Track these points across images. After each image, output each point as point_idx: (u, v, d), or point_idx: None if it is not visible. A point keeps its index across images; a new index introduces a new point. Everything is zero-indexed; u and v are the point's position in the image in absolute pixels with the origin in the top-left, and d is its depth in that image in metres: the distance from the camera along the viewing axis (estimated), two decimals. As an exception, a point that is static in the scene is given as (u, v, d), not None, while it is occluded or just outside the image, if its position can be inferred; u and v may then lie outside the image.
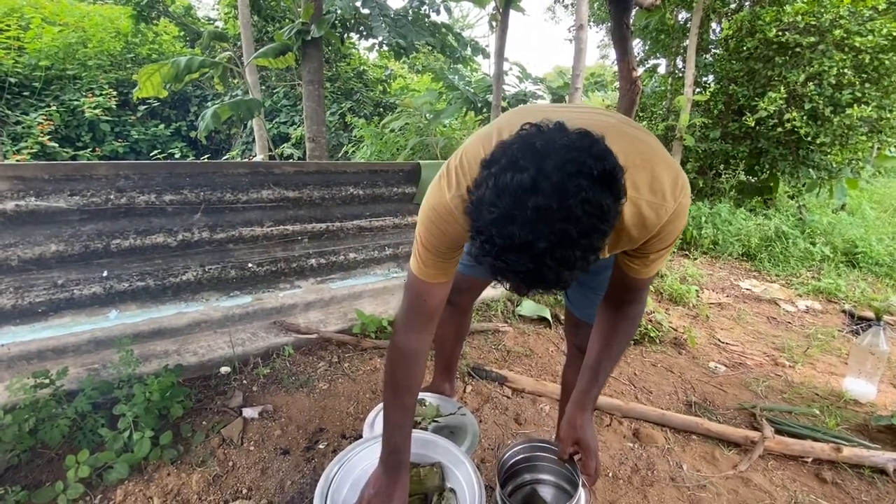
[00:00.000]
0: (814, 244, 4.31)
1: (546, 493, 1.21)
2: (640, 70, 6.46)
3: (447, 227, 0.92)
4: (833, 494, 1.57)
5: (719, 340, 2.70)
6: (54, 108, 7.18)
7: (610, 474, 1.58)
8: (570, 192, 0.61)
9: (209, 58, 3.97)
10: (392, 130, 5.46)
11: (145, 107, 8.25)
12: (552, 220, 0.61)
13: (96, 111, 7.37)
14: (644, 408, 1.90)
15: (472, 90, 5.85)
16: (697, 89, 5.42)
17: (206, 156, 8.44)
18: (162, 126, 8.45)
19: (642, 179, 0.82)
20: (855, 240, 4.33)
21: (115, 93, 7.81)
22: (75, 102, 7.37)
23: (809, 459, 1.70)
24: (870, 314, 3.10)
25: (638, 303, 1.07)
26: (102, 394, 1.64)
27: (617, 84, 5.48)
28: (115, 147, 7.68)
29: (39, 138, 6.54)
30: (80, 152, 7.25)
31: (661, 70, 7.08)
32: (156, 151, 8.04)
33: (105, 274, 1.83)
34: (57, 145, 6.83)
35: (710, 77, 5.78)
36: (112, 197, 1.79)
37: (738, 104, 5.13)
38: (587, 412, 1.10)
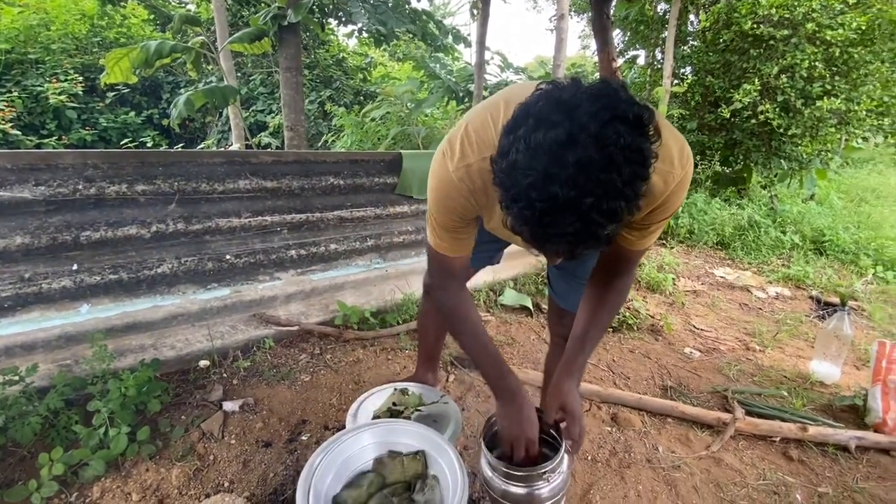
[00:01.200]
0: (784, 233, 4.45)
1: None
2: (620, 61, 6.52)
3: (453, 203, 0.92)
4: (799, 471, 1.64)
5: (694, 327, 2.78)
6: (16, 93, 6.85)
7: (589, 457, 1.62)
8: (611, 140, 0.58)
9: (181, 42, 3.84)
10: (373, 119, 5.39)
11: (114, 93, 7.94)
12: (596, 172, 0.58)
13: (61, 97, 7.06)
14: (622, 393, 1.95)
15: (453, 79, 5.81)
16: (675, 81, 5.50)
17: (179, 145, 8.19)
18: (132, 113, 8.15)
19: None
20: (823, 228, 4.49)
21: (81, 78, 7.48)
22: (38, 88, 7.04)
23: (777, 439, 1.77)
24: (835, 300, 3.23)
25: (628, 275, 1.08)
26: (75, 390, 1.60)
27: (597, 74, 5.52)
28: (83, 135, 7.39)
29: (1, 126, 6.24)
30: (45, 140, 6.95)
31: (641, 61, 7.15)
32: (126, 140, 7.76)
33: (75, 267, 1.77)
34: (20, 133, 6.53)
35: (688, 69, 5.86)
36: (80, 187, 1.73)
37: (714, 96, 5.23)
38: (573, 379, 1.11)
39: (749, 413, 1.88)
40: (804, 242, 4.37)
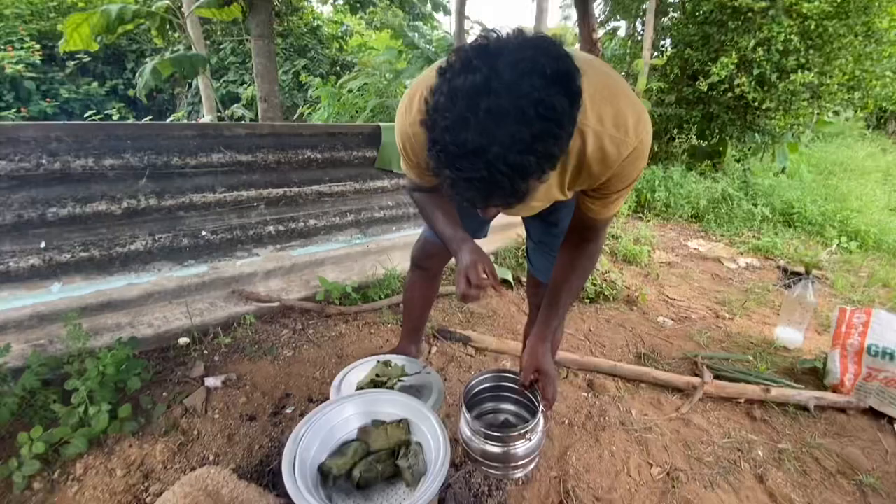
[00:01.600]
0: (756, 205, 4.58)
1: (509, 419, 1.31)
2: (601, 32, 6.45)
3: (410, 152, 0.99)
4: (761, 430, 1.75)
5: (668, 297, 2.87)
6: (-34, 62, 6.42)
7: (566, 422, 1.69)
8: (523, 93, 0.58)
9: (144, 7, 3.62)
10: (350, 91, 5.24)
11: (75, 62, 7.51)
12: (505, 122, 0.59)
13: (18, 67, 6.64)
14: (598, 360, 2.02)
15: (432, 49, 5.67)
16: (655, 53, 5.49)
17: (147, 118, 7.85)
18: (95, 84, 7.74)
19: (607, 113, 0.83)
20: (792, 201, 4.64)
21: (38, 46, 7.04)
22: (-9, 56, 6.61)
23: (742, 400, 1.87)
24: (801, 269, 3.37)
25: (596, 241, 1.11)
26: (51, 370, 1.58)
27: (578, 46, 5.46)
28: (43, 107, 7.01)
29: (-48, 97, 5.87)
30: (4, 113, 6.57)
31: (622, 33, 7.09)
32: (90, 112, 7.39)
33: (43, 245, 1.71)
34: (-26, 105, 6.16)
35: (668, 41, 5.85)
36: (44, 161, 1.65)
37: (692, 69, 5.25)
38: (547, 342, 1.17)
39: (717, 377, 1.98)
40: (774, 214, 4.51)
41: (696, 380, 1.91)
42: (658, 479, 1.48)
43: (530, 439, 1.13)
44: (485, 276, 1.00)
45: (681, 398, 1.88)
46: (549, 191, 0.96)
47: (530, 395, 1.22)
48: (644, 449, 1.60)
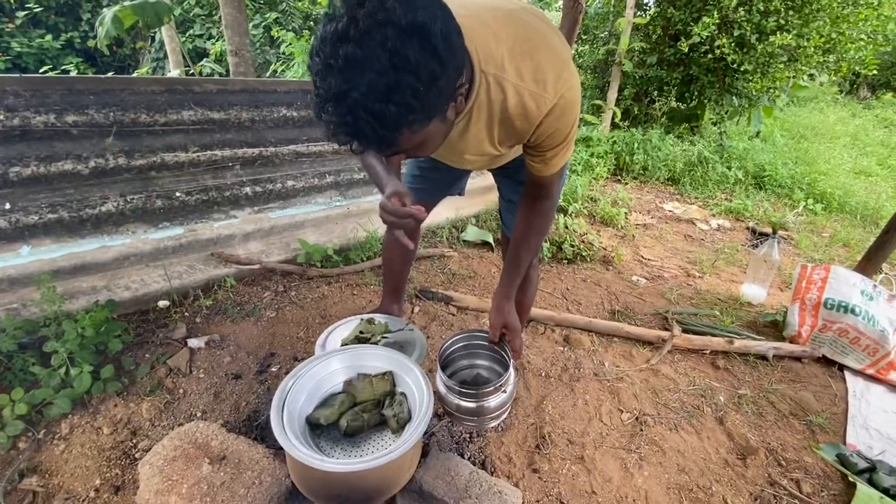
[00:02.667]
0: (730, 168, 4.68)
1: (481, 373, 1.38)
2: (584, -12, 6.26)
3: None
4: (724, 378, 1.87)
5: (642, 257, 2.97)
6: None
7: (543, 374, 1.78)
8: (377, 42, 0.60)
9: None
10: (325, 48, 5.01)
11: (25, 13, 6.93)
12: (362, 70, 0.61)
13: (-41, 16, 6.12)
14: (574, 317, 2.10)
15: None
16: (638, 12, 5.39)
17: (109, 73, 7.39)
18: (49, 37, 7.19)
19: (527, 68, 0.84)
20: (764, 164, 4.75)
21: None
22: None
23: (708, 351, 1.99)
24: (769, 230, 3.51)
25: (548, 199, 1.14)
26: (28, 333, 1.56)
27: (561, 3, 5.30)
28: (-8, 61, 6.52)
29: None
30: (-54, 67, 6.09)
31: (605, -11, 6.90)
32: (45, 68, 6.90)
33: (7, 206, 1.65)
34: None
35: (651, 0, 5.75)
36: (1, 117, 1.57)
37: (675, 29, 5.19)
38: (510, 300, 1.23)
39: (685, 331, 2.08)
40: (746, 177, 4.62)
41: (665, 333, 2.01)
42: (627, 424, 1.59)
43: (504, 391, 1.20)
44: (399, 203, 1.00)
45: (651, 351, 1.98)
46: (479, 144, 0.99)
47: (500, 350, 1.28)
48: (615, 397, 1.70)
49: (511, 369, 1.21)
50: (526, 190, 1.15)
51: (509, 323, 1.22)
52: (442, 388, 1.20)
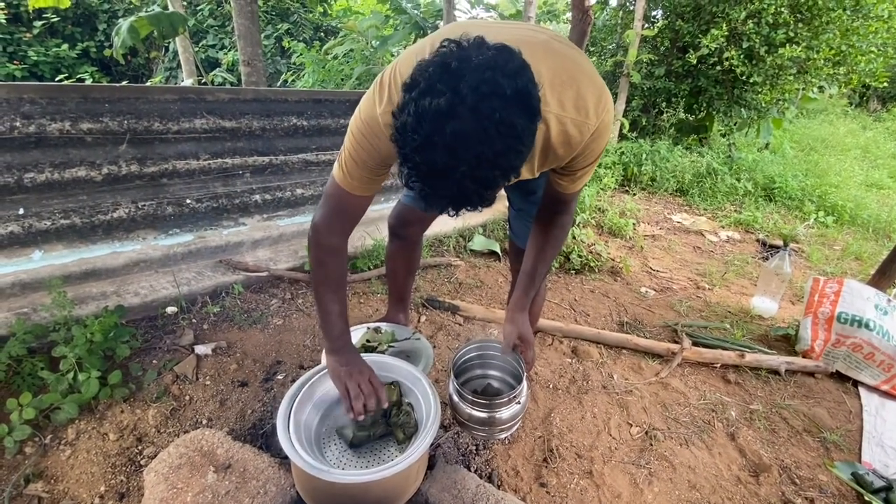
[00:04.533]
0: (739, 180, 4.65)
1: (493, 384, 1.38)
2: (593, 0, 6.32)
3: (378, 143, 0.92)
4: (735, 392, 1.84)
5: (651, 268, 2.94)
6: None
7: (551, 386, 1.75)
8: (485, 115, 0.62)
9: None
10: (335, 57, 5.09)
11: (42, 22, 7.10)
12: (470, 143, 0.62)
13: (-19, 26, 6.28)
14: (582, 328, 2.08)
15: (420, 14, 5.50)
16: (646, 24, 5.42)
17: (123, 82, 7.52)
18: (65, 46, 7.35)
19: (568, 97, 0.85)
20: (774, 176, 4.72)
21: (2, 4, 6.62)
22: (-49, 14, 6.22)
23: (718, 365, 1.96)
24: (779, 242, 3.47)
25: (567, 214, 1.16)
26: (37, 337, 1.56)
27: (569, 15, 5.34)
28: (11, 70, 6.66)
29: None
30: (-33, 75, 6.23)
31: (613, 3, 6.95)
32: (61, 76, 7.05)
33: (21, 211, 1.67)
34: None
35: (659, 12, 5.77)
36: (18, 124, 1.60)
37: (683, 41, 5.21)
38: (525, 311, 1.24)
39: (695, 343, 2.06)
40: (756, 189, 4.59)
41: (675, 346, 1.99)
42: (637, 438, 1.56)
43: (518, 402, 1.18)
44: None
45: (660, 363, 1.95)
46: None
47: (513, 361, 1.27)
48: (624, 410, 1.67)
49: (525, 381, 1.20)
50: (546, 205, 1.15)
51: (523, 334, 1.22)
52: (454, 397, 1.20)
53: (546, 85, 0.83)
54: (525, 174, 1.00)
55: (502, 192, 1.50)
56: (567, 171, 1.01)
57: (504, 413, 1.17)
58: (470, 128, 0.62)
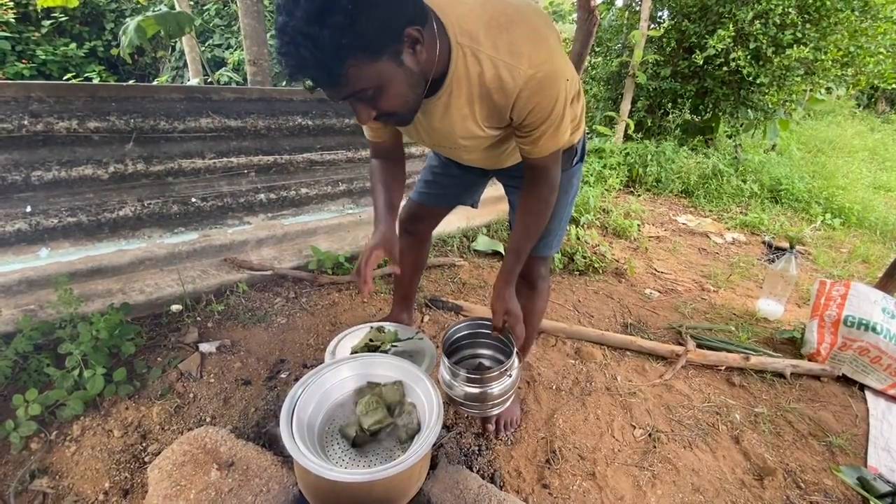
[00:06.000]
0: (745, 182, 4.62)
1: (485, 363, 1.40)
2: (598, 1, 6.29)
3: None
4: (739, 395, 1.83)
5: (655, 270, 2.93)
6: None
7: (554, 387, 1.75)
8: None
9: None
10: (340, 58, 5.09)
11: (50, 22, 7.15)
12: (298, 2, 0.68)
13: (-10, 25, 6.33)
14: (586, 329, 2.07)
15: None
16: (652, 25, 5.39)
17: (130, 81, 7.57)
18: (73, 45, 7.39)
19: (502, 41, 0.86)
20: (780, 178, 4.68)
21: (11, 3, 6.68)
22: (-39, 13, 6.27)
23: (723, 368, 1.95)
24: (785, 244, 3.44)
25: (545, 185, 1.13)
26: (44, 334, 1.58)
27: (575, 16, 5.32)
28: (20, 69, 6.70)
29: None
30: (-24, 74, 6.28)
31: (619, 3, 6.93)
32: (69, 75, 7.09)
33: (29, 209, 1.68)
34: (-56, 65, 5.87)
35: (665, 12, 5.74)
36: (26, 123, 1.61)
37: (689, 42, 5.18)
38: (511, 286, 1.23)
39: (700, 346, 2.04)
40: (762, 191, 4.56)
41: (679, 348, 1.98)
42: (640, 440, 1.55)
43: (510, 375, 1.21)
44: (366, 266, 1.13)
45: (664, 365, 1.94)
46: (464, 122, 0.99)
47: (503, 338, 1.27)
48: (628, 412, 1.66)
49: (514, 355, 1.21)
50: (525, 175, 1.15)
51: (510, 309, 1.21)
52: (446, 376, 1.21)
53: (481, 27, 0.86)
54: (472, 126, 1.00)
55: (504, 193, 1.50)
56: (523, 133, 1.00)
57: (495, 388, 1.19)
58: None
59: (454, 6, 0.87)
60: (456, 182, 1.46)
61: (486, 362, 1.40)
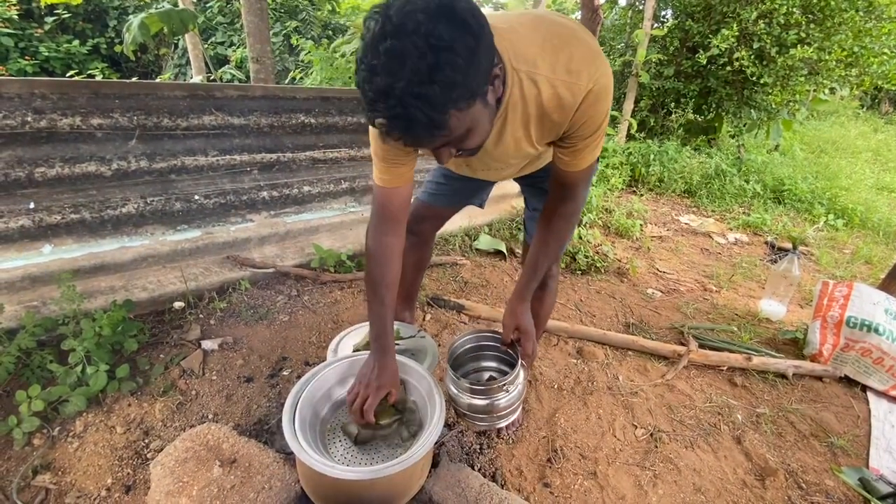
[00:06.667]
0: (747, 182, 4.61)
1: (494, 376, 1.39)
2: (602, 0, 6.27)
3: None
4: (741, 395, 1.82)
5: (657, 270, 2.92)
6: (-63, 15, 6.09)
7: (555, 386, 1.75)
8: (410, 30, 0.64)
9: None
10: (343, 55, 5.09)
11: (54, 18, 7.16)
12: (403, 59, 0.65)
13: (-7, 22, 6.33)
14: (588, 329, 2.07)
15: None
16: (655, 24, 5.38)
17: (133, 79, 7.57)
18: (76, 42, 7.39)
19: (559, 60, 0.86)
20: (783, 178, 4.67)
21: (14, 0, 6.68)
22: (-36, 10, 6.27)
23: (725, 368, 1.94)
24: (788, 245, 3.43)
25: (572, 201, 1.12)
26: (47, 330, 1.58)
27: (579, 14, 5.31)
28: (23, 66, 6.70)
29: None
30: (-21, 70, 6.29)
31: (622, 2, 6.91)
32: (72, 72, 7.09)
33: (32, 206, 1.68)
34: (-53, 61, 5.88)
35: (669, 11, 5.72)
36: (29, 119, 1.61)
37: (692, 41, 5.16)
38: (526, 302, 1.22)
39: (702, 346, 2.04)
40: (765, 191, 4.55)
41: (681, 348, 1.97)
42: (641, 440, 1.55)
43: (517, 386, 1.20)
44: (370, 410, 1.06)
45: (666, 365, 1.94)
46: (518, 144, 0.99)
47: (512, 353, 1.27)
48: (629, 412, 1.66)
49: (519, 367, 1.21)
50: (551, 192, 1.13)
51: (521, 325, 1.21)
52: (452, 388, 1.21)
53: (537, 50, 0.86)
54: (525, 147, 1.00)
55: (512, 192, 1.50)
56: (568, 144, 0.99)
57: (502, 400, 1.19)
58: (399, 44, 0.64)
59: (508, 32, 0.86)
60: (466, 184, 1.46)
61: (494, 375, 1.39)
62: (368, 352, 1.28)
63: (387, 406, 1.13)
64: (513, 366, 1.29)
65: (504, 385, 1.17)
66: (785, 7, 4.34)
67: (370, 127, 0.99)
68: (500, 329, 1.30)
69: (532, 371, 1.79)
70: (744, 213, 4.17)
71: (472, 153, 0.89)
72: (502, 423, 1.29)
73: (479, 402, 1.17)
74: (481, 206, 1.59)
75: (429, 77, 0.65)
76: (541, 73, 0.87)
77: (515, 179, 1.44)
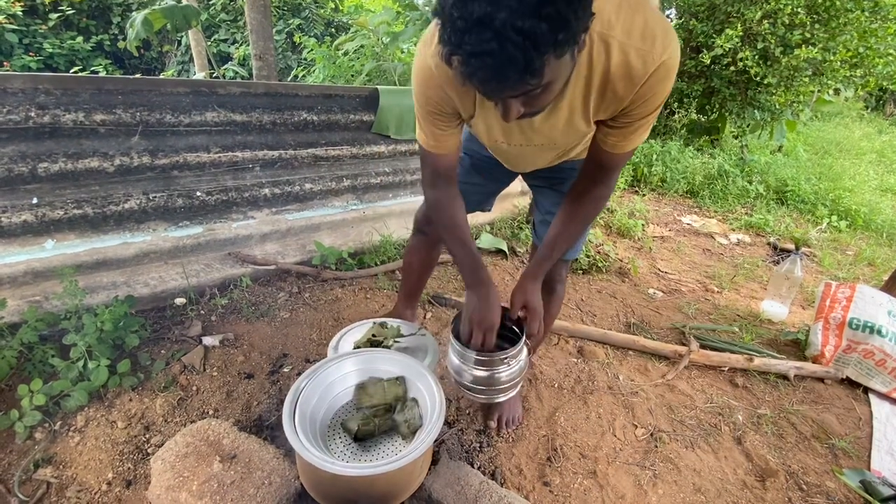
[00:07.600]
0: (750, 182, 4.60)
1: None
2: None
3: (430, 92, 0.92)
4: (742, 396, 1.82)
5: (659, 270, 2.92)
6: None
7: (556, 385, 1.75)
8: None
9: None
10: (346, 53, 5.09)
11: (58, 15, 7.17)
12: None
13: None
14: (588, 328, 2.07)
15: (431, 10, 5.47)
16: (659, 23, 5.36)
17: (136, 74, 7.58)
18: (80, 39, 7.41)
19: (636, 23, 0.78)
20: (786, 179, 4.66)
21: (19, -4, 6.70)
22: (-31, 6, 6.29)
23: (726, 368, 1.94)
24: (790, 246, 3.42)
25: (605, 185, 1.05)
26: (49, 325, 1.59)
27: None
28: (27, 62, 6.72)
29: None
30: (-17, 66, 6.31)
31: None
32: (75, 69, 7.12)
33: (35, 201, 1.69)
34: (-48, 57, 5.90)
35: (673, 11, 5.70)
36: (33, 115, 1.61)
37: (696, 41, 5.14)
38: (537, 281, 1.18)
39: (703, 346, 2.04)
40: (768, 192, 4.54)
41: (682, 348, 1.97)
42: (642, 440, 1.55)
43: (520, 362, 1.19)
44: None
45: (667, 365, 1.94)
46: (571, 118, 0.92)
47: (517, 330, 1.25)
48: (630, 412, 1.66)
49: (523, 343, 1.19)
50: (584, 173, 1.06)
51: (530, 303, 1.16)
52: (455, 361, 1.19)
53: (612, 8, 0.76)
54: (579, 122, 0.93)
55: (514, 191, 1.49)
56: (621, 122, 0.90)
57: (503, 373, 1.17)
58: None
59: None
60: (478, 189, 1.45)
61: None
62: (371, 348, 1.29)
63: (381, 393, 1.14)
64: (515, 343, 1.29)
65: (506, 358, 1.16)
66: (790, 7, 4.32)
67: (414, 90, 0.94)
68: (507, 305, 1.27)
69: (532, 370, 1.79)
70: (746, 213, 4.16)
71: (534, 114, 0.81)
72: (501, 398, 1.27)
73: (481, 373, 1.16)
74: (489, 210, 1.58)
75: (536, 10, 0.56)
76: (615, 36, 0.77)
77: (529, 180, 1.41)
